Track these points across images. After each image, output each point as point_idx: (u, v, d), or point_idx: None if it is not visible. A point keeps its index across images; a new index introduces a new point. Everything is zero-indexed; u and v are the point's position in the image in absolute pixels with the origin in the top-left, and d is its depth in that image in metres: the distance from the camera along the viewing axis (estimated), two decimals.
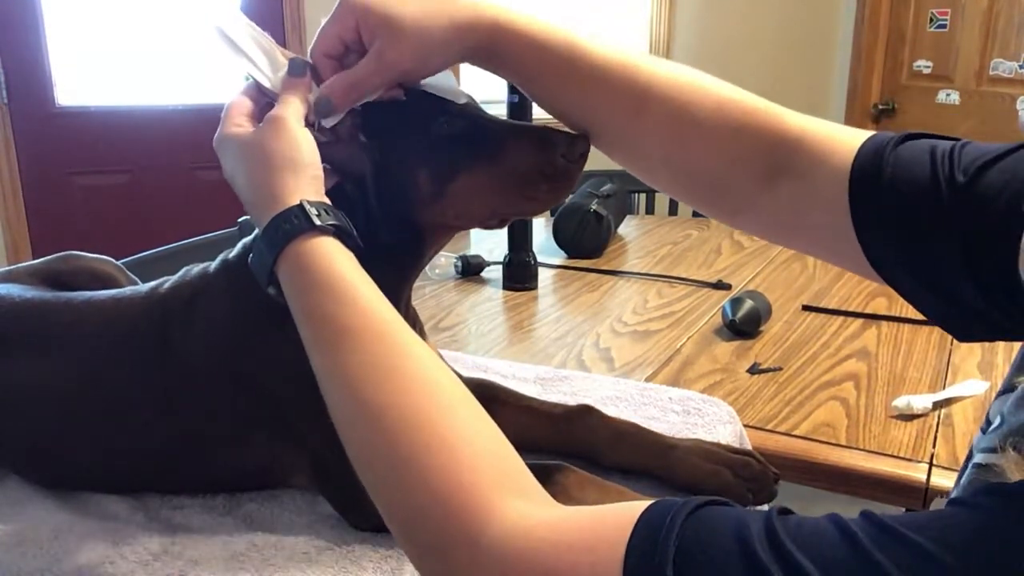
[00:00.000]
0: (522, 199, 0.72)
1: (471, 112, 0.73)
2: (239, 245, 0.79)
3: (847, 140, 0.62)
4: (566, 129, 0.71)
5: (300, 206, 0.58)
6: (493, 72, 0.69)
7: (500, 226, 0.76)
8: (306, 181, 0.61)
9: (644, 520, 0.44)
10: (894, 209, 0.58)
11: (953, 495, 0.53)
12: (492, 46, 0.66)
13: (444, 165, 0.71)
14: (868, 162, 0.59)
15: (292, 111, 0.63)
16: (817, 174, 0.62)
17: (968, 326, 0.59)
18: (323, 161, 0.64)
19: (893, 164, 0.58)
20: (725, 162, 0.66)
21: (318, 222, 0.58)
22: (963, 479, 0.52)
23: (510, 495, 0.48)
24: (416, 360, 0.54)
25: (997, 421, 0.46)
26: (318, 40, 0.67)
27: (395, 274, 0.77)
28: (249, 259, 0.62)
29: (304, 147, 0.62)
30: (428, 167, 0.72)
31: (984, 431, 0.54)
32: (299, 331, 0.57)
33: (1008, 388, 0.53)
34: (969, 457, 0.58)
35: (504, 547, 0.45)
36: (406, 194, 0.72)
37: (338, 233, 0.59)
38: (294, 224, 0.58)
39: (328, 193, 0.63)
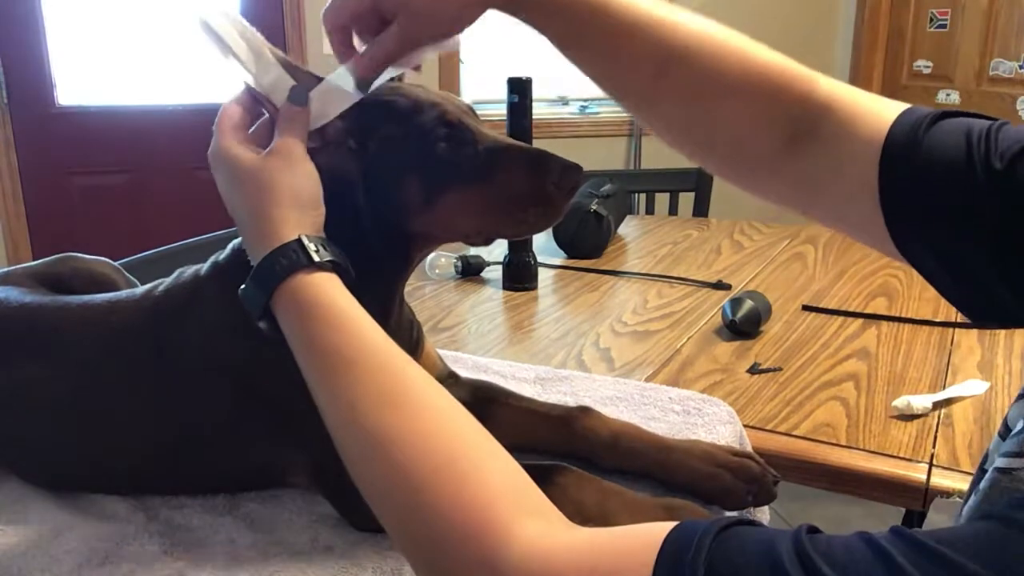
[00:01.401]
0: (508, 221, 0.73)
1: (469, 126, 0.73)
2: (229, 247, 0.79)
3: (878, 112, 0.60)
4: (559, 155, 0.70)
5: (299, 241, 0.58)
6: (522, 22, 0.66)
7: (485, 243, 0.76)
8: (308, 218, 0.61)
9: (671, 541, 0.43)
10: (925, 189, 0.57)
11: (974, 501, 0.52)
12: (512, 5, 0.64)
13: (435, 177, 0.71)
14: (902, 139, 0.58)
15: (297, 142, 0.63)
16: (844, 144, 0.61)
17: (986, 311, 0.59)
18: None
19: (927, 143, 0.57)
20: (746, 125, 0.65)
21: (317, 258, 0.58)
22: (982, 484, 0.52)
23: (527, 516, 0.47)
24: (421, 388, 0.54)
25: (1019, 425, 0.45)
26: (330, 12, 0.66)
27: (382, 279, 0.77)
28: (240, 291, 0.61)
29: (310, 184, 0.62)
30: (419, 177, 0.71)
31: (1003, 436, 0.53)
32: (300, 364, 0.57)
33: None
34: (984, 461, 0.57)
35: (525, 570, 0.45)
36: (395, 201, 0.72)
37: (335, 269, 0.59)
38: (292, 259, 0.58)
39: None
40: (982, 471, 0.56)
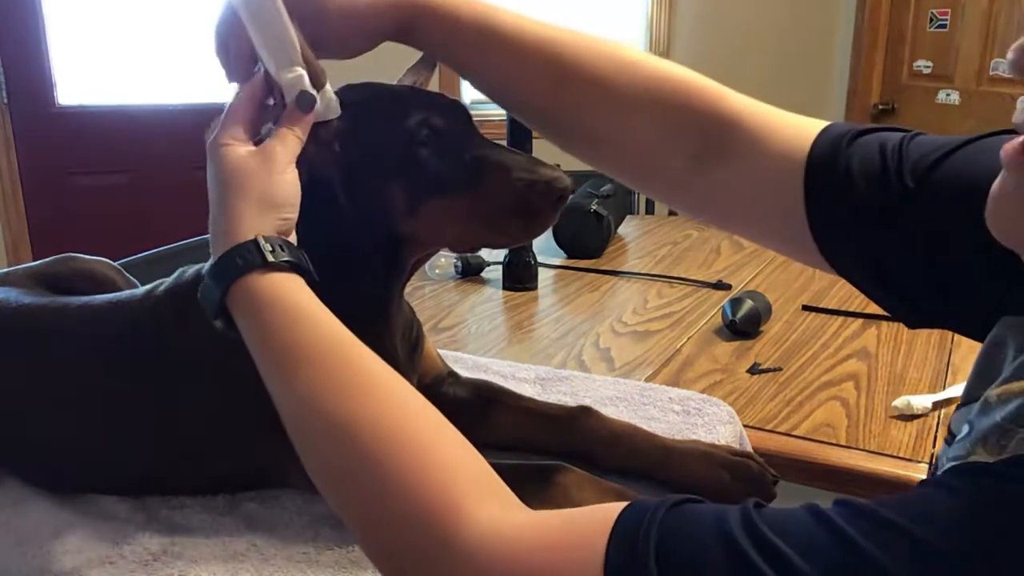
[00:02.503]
0: (493, 232, 0.72)
1: (456, 133, 0.72)
2: None
3: (793, 128, 0.62)
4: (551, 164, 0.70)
5: (255, 241, 0.58)
6: (419, 50, 0.69)
7: (471, 251, 0.75)
8: (272, 220, 0.60)
9: (623, 517, 0.45)
10: (848, 203, 0.59)
11: None
12: (411, 24, 0.65)
13: (417, 184, 0.70)
14: (825, 155, 0.60)
15: (287, 148, 0.62)
16: (761, 160, 0.62)
17: (915, 316, 0.61)
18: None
19: (848, 156, 0.59)
20: (652, 138, 0.65)
21: (271, 259, 0.57)
22: None
23: (485, 498, 0.49)
24: (380, 379, 0.54)
25: (965, 430, 0.47)
26: (233, 40, 0.64)
27: (377, 282, 0.76)
28: (199, 288, 0.61)
29: (284, 189, 0.61)
30: (401, 184, 0.71)
31: (949, 443, 0.54)
32: (256, 360, 0.57)
33: (970, 399, 0.53)
34: (936, 468, 0.58)
35: (483, 549, 0.46)
36: (378, 206, 0.71)
37: (293, 269, 0.59)
38: (247, 259, 0.57)
39: (302, 197, 0.62)
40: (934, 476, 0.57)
